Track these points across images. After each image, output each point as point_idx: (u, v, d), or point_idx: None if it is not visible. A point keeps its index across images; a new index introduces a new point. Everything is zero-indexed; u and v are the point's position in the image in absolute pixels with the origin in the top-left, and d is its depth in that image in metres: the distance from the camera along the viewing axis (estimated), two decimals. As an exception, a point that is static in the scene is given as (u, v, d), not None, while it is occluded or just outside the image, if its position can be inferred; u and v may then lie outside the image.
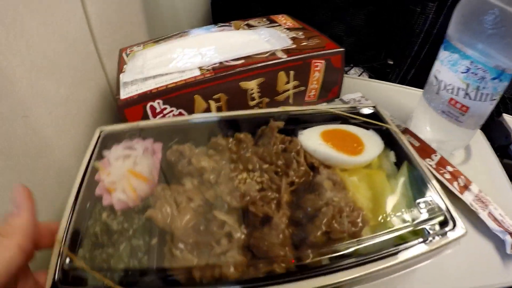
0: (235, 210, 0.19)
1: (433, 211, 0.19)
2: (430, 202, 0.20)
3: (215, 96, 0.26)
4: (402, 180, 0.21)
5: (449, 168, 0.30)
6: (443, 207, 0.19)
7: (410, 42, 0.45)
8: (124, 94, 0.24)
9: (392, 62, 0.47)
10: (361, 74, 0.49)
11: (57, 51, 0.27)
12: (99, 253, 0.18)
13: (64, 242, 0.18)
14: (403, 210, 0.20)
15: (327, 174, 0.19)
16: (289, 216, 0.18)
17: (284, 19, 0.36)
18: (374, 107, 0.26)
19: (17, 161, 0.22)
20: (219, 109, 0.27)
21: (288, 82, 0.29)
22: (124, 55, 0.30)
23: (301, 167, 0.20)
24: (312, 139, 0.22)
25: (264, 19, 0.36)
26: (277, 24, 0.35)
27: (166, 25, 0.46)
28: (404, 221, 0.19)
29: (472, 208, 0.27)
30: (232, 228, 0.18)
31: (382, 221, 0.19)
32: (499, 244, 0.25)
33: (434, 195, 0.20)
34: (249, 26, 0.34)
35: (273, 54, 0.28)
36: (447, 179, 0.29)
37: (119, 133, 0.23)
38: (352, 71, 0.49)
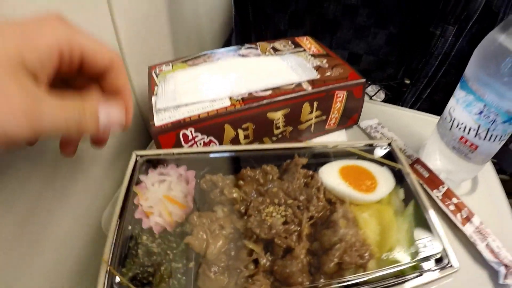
0: (262, 239, 0.21)
1: (432, 248, 0.22)
2: (430, 240, 0.22)
3: (244, 126, 0.28)
4: (408, 218, 0.24)
5: (455, 200, 0.32)
6: (441, 246, 0.22)
7: (427, 63, 0.46)
8: (158, 121, 0.26)
9: (408, 82, 0.48)
10: (377, 91, 0.50)
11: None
12: (141, 273, 0.21)
13: (111, 261, 0.20)
14: (405, 245, 0.22)
15: (342, 212, 0.22)
16: (307, 247, 0.21)
17: (308, 43, 0.37)
18: (389, 144, 0.28)
19: (44, 168, 0.23)
20: (246, 137, 0.28)
21: (311, 112, 0.30)
22: (154, 74, 0.32)
23: (320, 202, 0.23)
24: (331, 177, 0.24)
25: (290, 42, 0.37)
26: (302, 49, 0.35)
27: (190, 40, 0.46)
28: (405, 256, 0.22)
29: (471, 240, 0.29)
30: (259, 255, 0.21)
31: (386, 255, 0.22)
32: (494, 275, 0.28)
33: (434, 234, 0.23)
34: (275, 50, 0.35)
35: (299, 85, 0.29)
36: (451, 211, 0.31)
37: (154, 159, 0.25)
38: (369, 88, 0.50)
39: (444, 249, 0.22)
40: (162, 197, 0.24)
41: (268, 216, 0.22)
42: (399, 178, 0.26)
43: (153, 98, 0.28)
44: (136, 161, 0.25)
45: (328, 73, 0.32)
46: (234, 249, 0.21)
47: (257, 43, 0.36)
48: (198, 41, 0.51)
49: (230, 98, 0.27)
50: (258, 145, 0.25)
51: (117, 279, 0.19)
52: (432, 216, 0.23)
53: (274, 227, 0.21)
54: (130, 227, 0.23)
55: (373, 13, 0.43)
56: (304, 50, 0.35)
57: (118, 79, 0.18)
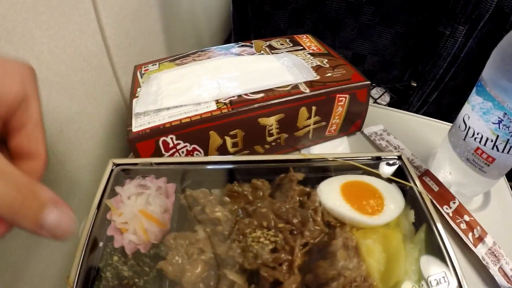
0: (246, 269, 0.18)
1: (443, 284, 0.19)
2: (442, 275, 0.19)
3: (232, 132, 0.25)
4: (418, 245, 0.21)
5: (466, 218, 0.29)
6: (455, 283, 0.18)
7: (435, 65, 0.42)
8: (136, 126, 0.23)
9: (415, 84, 0.45)
10: (383, 94, 0.46)
11: (69, 66, 0.26)
12: (109, 299, 0.18)
13: (77, 283, 0.17)
14: (414, 278, 0.19)
15: (343, 240, 0.19)
16: (300, 280, 0.18)
17: (308, 41, 0.34)
18: (399, 157, 0.24)
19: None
20: (235, 145, 0.25)
21: (309, 118, 0.27)
22: (138, 74, 0.29)
23: (317, 226, 0.19)
24: (331, 196, 0.21)
25: (288, 40, 0.34)
26: (300, 48, 0.32)
27: (187, 37, 0.44)
28: None
29: (483, 262, 0.26)
30: None
31: None
32: None
33: (448, 266, 0.19)
34: (271, 48, 0.32)
35: (295, 87, 0.26)
36: (462, 230, 0.28)
37: (132, 168, 0.22)
38: (374, 90, 0.47)
39: (459, 284, 0.18)
40: (138, 212, 0.21)
41: (255, 242, 0.18)
42: (410, 197, 0.23)
43: (134, 101, 0.25)
44: (112, 170, 0.22)
45: (329, 74, 0.28)
46: (215, 278, 0.18)
47: (253, 41, 0.33)
48: (195, 39, 0.48)
49: (217, 102, 0.24)
50: (247, 156, 0.22)
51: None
52: (447, 244, 0.20)
53: (260, 256, 0.18)
54: (101, 245, 0.20)
55: (378, 11, 0.40)
56: (303, 48, 0.32)
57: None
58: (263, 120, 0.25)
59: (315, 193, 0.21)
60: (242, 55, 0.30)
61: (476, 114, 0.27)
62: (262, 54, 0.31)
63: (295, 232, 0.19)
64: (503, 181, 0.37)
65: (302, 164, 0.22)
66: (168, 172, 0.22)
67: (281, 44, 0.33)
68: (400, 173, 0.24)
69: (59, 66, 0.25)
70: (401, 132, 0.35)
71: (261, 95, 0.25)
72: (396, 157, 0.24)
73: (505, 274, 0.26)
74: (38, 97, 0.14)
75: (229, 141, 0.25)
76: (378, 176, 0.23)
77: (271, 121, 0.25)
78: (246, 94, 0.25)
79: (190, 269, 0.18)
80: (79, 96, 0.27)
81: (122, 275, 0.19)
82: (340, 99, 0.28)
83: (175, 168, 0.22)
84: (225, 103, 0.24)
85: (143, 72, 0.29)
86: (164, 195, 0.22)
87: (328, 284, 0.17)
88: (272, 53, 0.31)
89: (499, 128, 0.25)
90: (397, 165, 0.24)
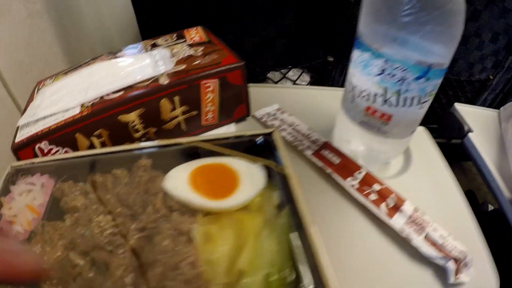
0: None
1: (298, 275, 0.17)
2: (299, 263, 0.17)
3: (96, 133, 0.26)
4: (276, 231, 0.19)
5: (377, 187, 0.26)
6: (309, 277, 0.17)
7: (347, 35, 0.41)
8: (18, 137, 0.26)
9: (332, 59, 0.44)
10: (301, 74, 0.46)
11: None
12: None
13: None
14: (263, 271, 0.17)
15: (174, 223, 0.19)
16: (128, 263, 0.19)
17: (195, 33, 0.35)
18: (270, 133, 0.24)
19: None
20: (103, 145, 0.27)
21: (174, 109, 0.28)
22: (36, 90, 0.32)
23: (156, 211, 0.21)
24: (176, 180, 0.21)
25: (174, 35, 0.35)
26: (182, 41, 0.34)
27: (95, 46, 0.45)
28: (262, 283, 0.17)
29: (403, 235, 0.23)
30: (83, 269, 0.20)
31: (235, 280, 0.17)
32: (441, 273, 0.22)
33: (308, 254, 0.17)
34: (154, 46, 0.33)
35: (155, 81, 0.27)
36: (372, 201, 0.25)
37: (24, 169, 0.25)
38: (291, 72, 0.46)
39: (318, 274, 0.16)
40: (25, 207, 0.24)
41: (96, 226, 0.21)
42: (278, 178, 0.21)
43: (22, 116, 0.29)
44: (9, 172, 0.26)
45: (198, 61, 0.29)
46: (67, 260, 0.21)
47: (141, 42, 0.34)
48: (105, 44, 0.49)
49: (82, 106, 0.27)
50: (110, 148, 0.24)
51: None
52: (310, 228, 0.18)
53: (94, 239, 0.20)
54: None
55: (275, -7, 0.40)
56: (185, 41, 0.33)
57: None
58: (123, 117, 0.27)
59: (161, 178, 0.22)
60: (123, 57, 0.32)
61: (357, 69, 0.24)
62: (142, 52, 0.32)
63: (135, 217, 0.21)
64: (426, 136, 0.35)
65: (162, 150, 0.23)
66: (50, 170, 0.24)
67: (165, 41, 0.34)
68: (268, 151, 0.23)
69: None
70: (301, 107, 0.34)
71: (121, 93, 0.27)
72: (266, 133, 0.23)
73: (433, 243, 0.23)
74: None
75: (96, 141, 0.27)
76: (243, 156, 0.22)
77: (132, 117, 0.27)
78: (107, 95, 0.27)
79: (49, 252, 0.21)
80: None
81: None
82: (207, 85, 0.29)
83: (55, 165, 0.24)
84: (87, 106, 0.26)
85: (40, 87, 0.32)
86: (47, 190, 0.25)
87: (149, 270, 0.18)
88: (149, 51, 0.32)
89: (384, 79, 0.22)
90: (263, 144, 0.23)
